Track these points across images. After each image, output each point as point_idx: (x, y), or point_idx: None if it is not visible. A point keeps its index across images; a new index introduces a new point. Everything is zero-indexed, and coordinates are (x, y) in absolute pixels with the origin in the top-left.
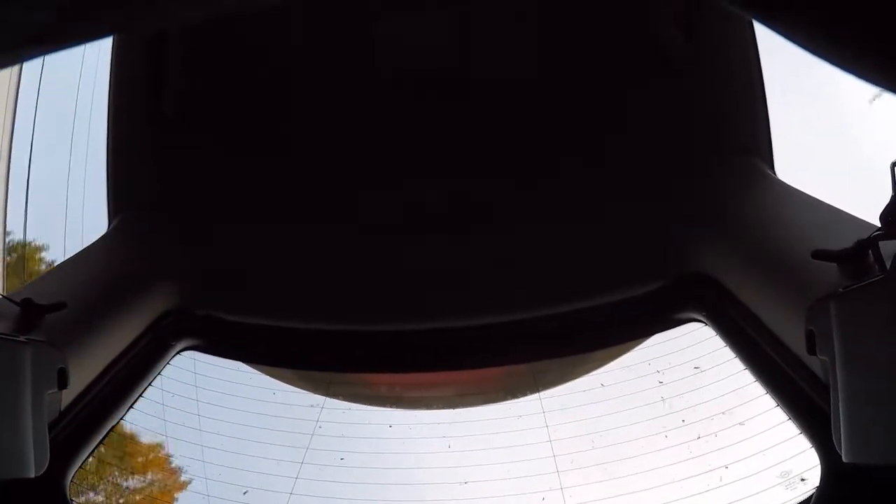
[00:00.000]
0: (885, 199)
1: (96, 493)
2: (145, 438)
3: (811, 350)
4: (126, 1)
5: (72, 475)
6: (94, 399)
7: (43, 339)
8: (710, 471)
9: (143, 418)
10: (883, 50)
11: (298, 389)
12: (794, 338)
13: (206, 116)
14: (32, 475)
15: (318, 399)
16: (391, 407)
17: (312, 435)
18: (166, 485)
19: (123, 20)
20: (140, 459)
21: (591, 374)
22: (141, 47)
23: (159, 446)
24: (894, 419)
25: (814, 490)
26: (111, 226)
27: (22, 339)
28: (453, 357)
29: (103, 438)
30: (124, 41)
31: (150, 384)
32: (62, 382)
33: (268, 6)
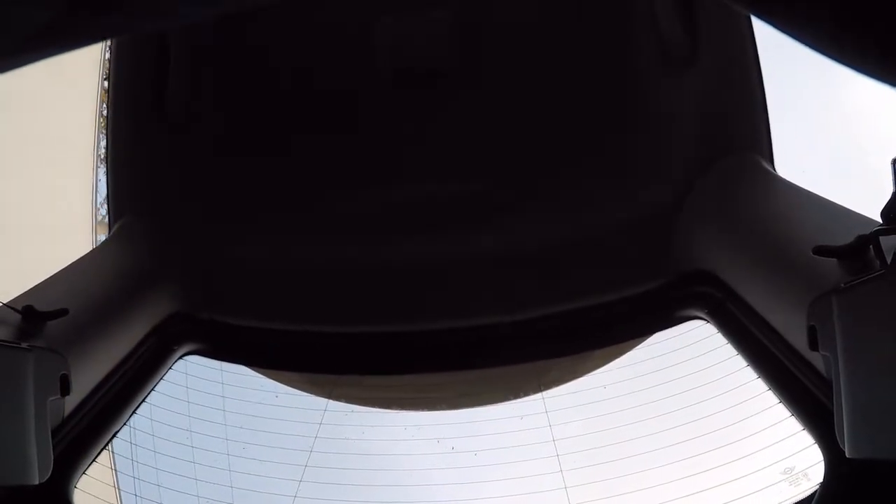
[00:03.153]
0: (886, 195)
1: None
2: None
3: (813, 346)
4: (128, 1)
5: (76, 482)
6: (97, 405)
7: (45, 346)
8: (713, 468)
9: (146, 423)
10: (885, 45)
11: (301, 392)
12: (795, 334)
13: (208, 119)
14: (36, 482)
15: (321, 402)
16: (394, 409)
17: (316, 438)
18: None
19: (125, 21)
20: None
21: (593, 372)
22: (142, 50)
23: None
24: None
25: (817, 486)
26: (112, 230)
27: (24, 346)
28: (456, 358)
29: (106, 444)
30: (125, 44)
31: (153, 389)
32: (65, 389)
33: (268, 4)
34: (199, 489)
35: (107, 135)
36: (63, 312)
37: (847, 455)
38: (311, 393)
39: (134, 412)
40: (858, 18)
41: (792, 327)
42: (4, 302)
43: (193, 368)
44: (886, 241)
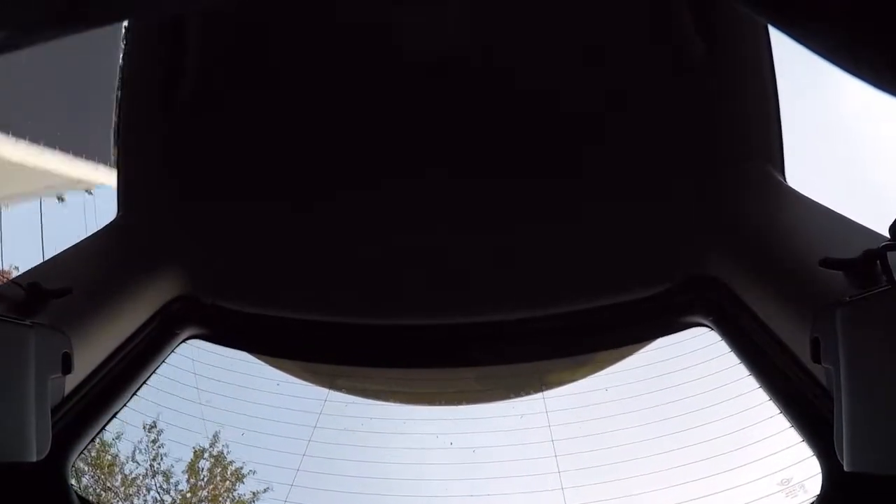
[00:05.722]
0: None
1: None
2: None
3: (816, 358)
4: None
5: (73, 460)
6: (97, 385)
7: (48, 324)
8: (711, 476)
9: (145, 405)
10: None
11: (302, 381)
12: (799, 345)
13: (220, 106)
14: (34, 459)
15: (322, 392)
16: (394, 402)
17: (315, 428)
18: None
19: (145, 2)
20: None
21: (594, 375)
22: (157, 33)
23: None
24: None
25: (814, 498)
26: (119, 212)
27: (27, 322)
28: (458, 354)
29: (105, 424)
30: (139, 26)
31: (154, 372)
32: (66, 367)
33: None
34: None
35: (118, 117)
36: (67, 291)
37: (845, 468)
38: (312, 382)
39: (134, 394)
40: (875, 32)
41: (795, 338)
42: (10, 278)
43: (194, 352)
44: (894, 257)
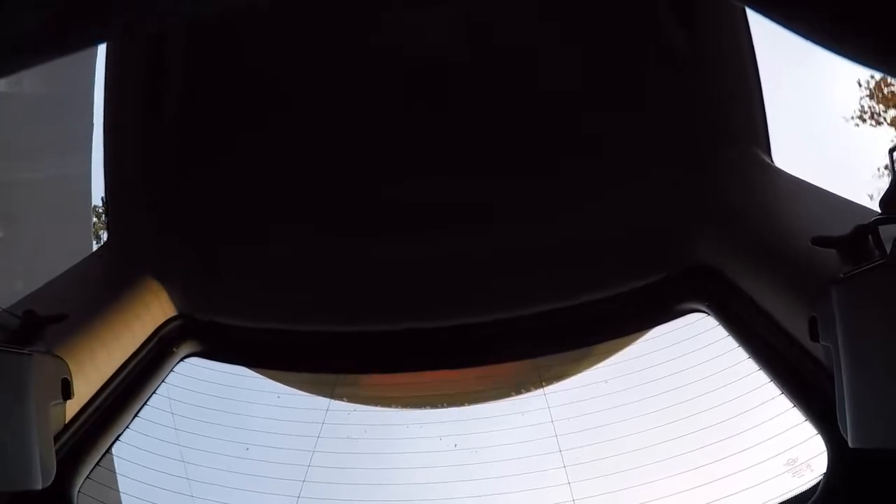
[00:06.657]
0: (883, 186)
1: None
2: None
3: (814, 337)
4: (126, 5)
5: (79, 486)
6: (99, 408)
7: (45, 350)
8: (716, 460)
9: (148, 426)
10: (883, 36)
11: (303, 392)
12: (796, 325)
13: (207, 121)
14: (40, 487)
15: (324, 402)
16: (396, 407)
17: (318, 437)
18: None
19: (124, 23)
20: None
21: (595, 367)
22: (139, 51)
23: None
24: None
25: (820, 477)
26: (111, 233)
27: (25, 351)
28: (456, 355)
29: (110, 447)
30: (122, 44)
31: (154, 391)
32: (66, 393)
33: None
34: (202, 491)
35: (105, 137)
36: (63, 317)
37: (850, 445)
38: (313, 393)
39: (136, 415)
40: (857, 11)
41: (792, 318)
42: (4, 307)
43: (193, 369)
44: (885, 231)
